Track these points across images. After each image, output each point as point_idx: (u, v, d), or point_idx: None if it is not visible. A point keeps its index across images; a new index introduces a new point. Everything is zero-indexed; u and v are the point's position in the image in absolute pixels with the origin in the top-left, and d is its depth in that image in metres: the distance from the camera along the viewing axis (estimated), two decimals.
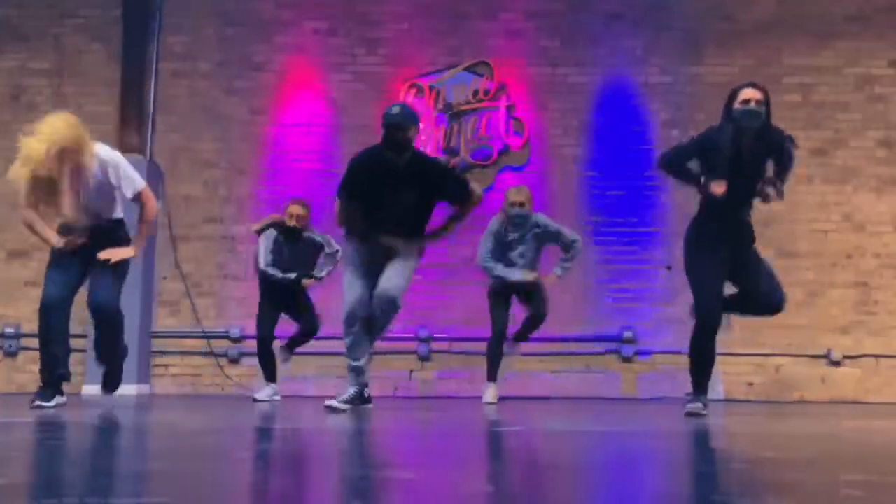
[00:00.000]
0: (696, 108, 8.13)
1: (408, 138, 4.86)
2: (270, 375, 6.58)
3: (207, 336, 7.93)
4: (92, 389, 7.58)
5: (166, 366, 7.98)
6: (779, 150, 4.66)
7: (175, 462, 2.43)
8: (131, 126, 8.09)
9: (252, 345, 7.98)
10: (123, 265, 5.00)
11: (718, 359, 7.69)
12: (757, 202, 4.68)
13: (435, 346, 7.89)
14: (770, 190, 4.60)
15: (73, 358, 7.96)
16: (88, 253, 4.93)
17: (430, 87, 8.16)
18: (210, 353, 7.93)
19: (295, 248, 6.48)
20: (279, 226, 6.46)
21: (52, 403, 4.81)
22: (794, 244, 7.96)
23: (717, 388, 7.78)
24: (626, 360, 7.88)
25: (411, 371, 7.93)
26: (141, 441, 3.19)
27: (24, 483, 1.94)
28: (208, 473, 2.22)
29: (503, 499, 1.83)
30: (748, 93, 4.54)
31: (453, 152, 8.09)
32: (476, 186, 5.14)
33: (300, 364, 7.74)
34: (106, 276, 4.98)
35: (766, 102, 4.55)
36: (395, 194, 4.89)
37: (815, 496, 1.89)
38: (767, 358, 7.89)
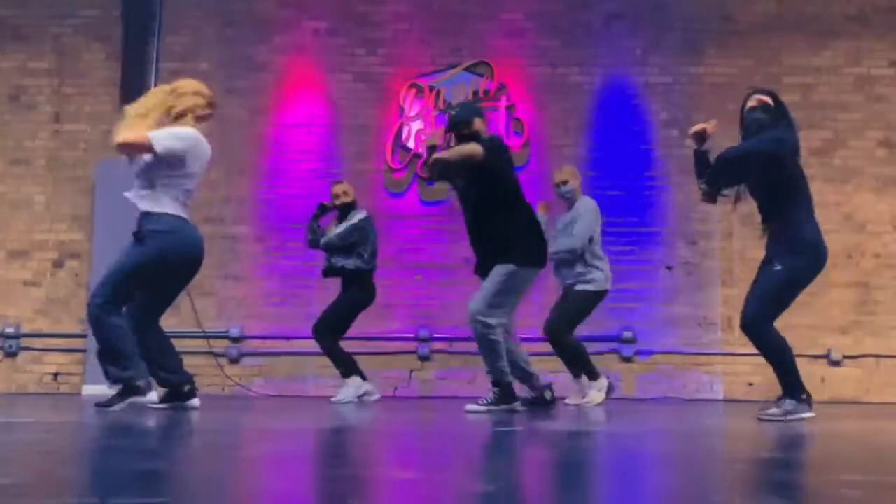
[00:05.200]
0: (696, 108, 8.12)
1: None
2: None
3: (207, 336, 7.92)
4: (92, 389, 7.58)
5: None
6: None
7: (175, 462, 2.43)
8: None
9: (252, 345, 8.02)
10: None
11: (719, 358, 7.83)
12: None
13: (435, 346, 7.88)
14: None
15: (73, 358, 8.07)
16: None
17: (430, 87, 8.15)
18: (210, 353, 7.92)
19: None
20: None
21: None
22: None
23: (717, 387, 7.78)
24: (626, 360, 7.86)
25: (411, 371, 7.92)
26: (141, 441, 3.19)
27: (24, 483, 1.94)
28: (208, 473, 2.22)
29: (503, 499, 1.83)
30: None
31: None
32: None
33: (300, 364, 7.75)
34: None
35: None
36: None
37: (815, 496, 1.89)
38: None
